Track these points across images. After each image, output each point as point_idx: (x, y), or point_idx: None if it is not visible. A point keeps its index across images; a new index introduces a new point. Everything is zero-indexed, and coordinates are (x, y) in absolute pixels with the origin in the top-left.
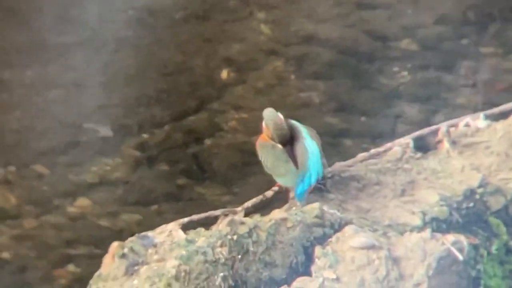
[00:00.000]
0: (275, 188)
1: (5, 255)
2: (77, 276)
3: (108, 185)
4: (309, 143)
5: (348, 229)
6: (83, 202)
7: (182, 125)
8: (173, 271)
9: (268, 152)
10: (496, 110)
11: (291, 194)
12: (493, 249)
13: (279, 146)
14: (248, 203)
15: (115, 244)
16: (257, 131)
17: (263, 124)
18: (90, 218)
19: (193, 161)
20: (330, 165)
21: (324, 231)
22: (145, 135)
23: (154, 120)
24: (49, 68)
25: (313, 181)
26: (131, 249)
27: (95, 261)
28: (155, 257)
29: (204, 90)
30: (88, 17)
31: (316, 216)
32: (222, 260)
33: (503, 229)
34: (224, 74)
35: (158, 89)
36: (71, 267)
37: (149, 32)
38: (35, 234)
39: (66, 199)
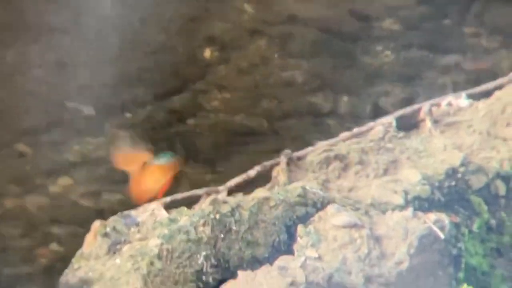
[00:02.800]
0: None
1: None
2: (60, 255)
3: (91, 164)
4: None
5: (330, 208)
6: (65, 181)
7: (165, 105)
8: (156, 250)
9: None
10: (478, 89)
11: (274, 173)
12: (475, 227)
13: None
14: (231, 182)
15: (97, 223)
16: (241, 110)
17: None
18: (73, 197)
19: (176, 141)
20: (313, 144)
21: (307, 210)
22: (128, 115)
23: (137, 100)
24: (31, 48)
25: None
26: (114, 228)
27: (77, 240)
28: (138, 236)
29: (187, 69)
30: None
31: (299, 195)
32: (205, 239)
33: (484, 207)
34: (207, 53)
35: (141, 69)
36: (53, 246)
37: (131, 11)
38: (16, 214)
39: (48, 178)
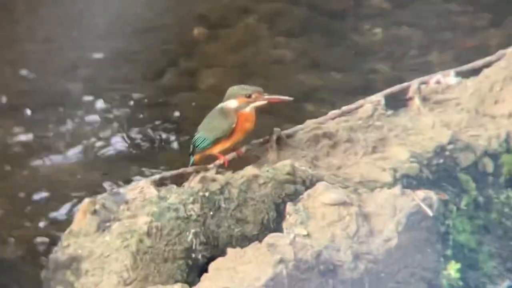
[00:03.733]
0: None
1: None
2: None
3: (82, 141)
4: None
5: (319, 186)
6: (57, 159)
7: (154, 83)
8: (145, 228)
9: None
10: (466, 67)
11: (264, 151)
12: (462, 204)
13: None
14: (220, 160)
15: (86, 201)
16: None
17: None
18: (63, 174)
19: (166, 119)
20: (302, 122)
21: (296, 188)
22: (117, 93)
23: (126, 78)
24: (19, 25)
25: None
26: (103, 206)
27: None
28: (127, 213)
29: (176, 48)
30: None
31: (288, 173)
32: (194, 217)
33: (472, 185)
34: (196, 31)
35: (129, 48)
36: (41, 223)
37: None
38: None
39: (39, 155)
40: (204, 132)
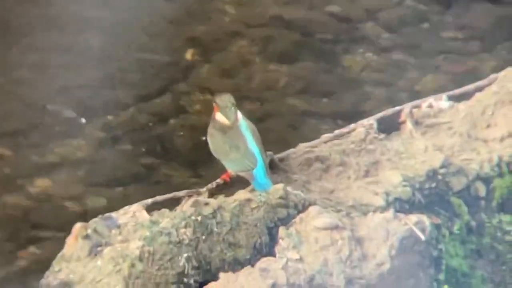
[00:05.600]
0: (219, 181)
1: None
2: (39, 257)
3: (71, 166)
4: (244, 130)
5: (312, 210)
6: (45, 182)
7: (147, 107)
8: (137, 252)
9: (218, 136)
10: (458, 91)
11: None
12: (455, 229)
13: (230, 127)
14: (212, 184)
15: (78, 225)
16: None
17: (218, 106)
18: (54, 199)
19: (157, 143)
20: (294, 146)
21: (288, 212)
22: (109, 117)
23: (118, 101)
24: (12, 49)
25: (263, 166)
26: (95, 230)
27: (57, 242)
28: (119, 238)
29: (169, 71)
30: None
31: (280, 197)
32: (186, 241)
33: (464, 209)
34: (188, 55)
35: (123, 70)
36: (32, 249)
37: (113, 13)
38: None
39: (29, 180)
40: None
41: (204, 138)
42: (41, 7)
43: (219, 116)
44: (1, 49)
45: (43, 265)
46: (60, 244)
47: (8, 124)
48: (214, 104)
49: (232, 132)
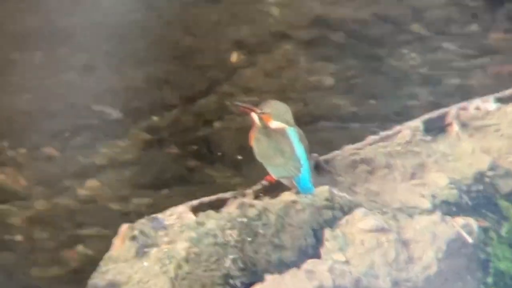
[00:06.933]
0: (265, 182)
1: (16, 236)
2: (87, 257)
3: (118, 167)
4: (292, 135)
5: (357, 212)
6: (93, 184)
7: (192, 108)
8: (183, 253)
9: (263, 141)
10: (506, 93)
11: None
12: (503, 231)
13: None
14: (258, 186)
15: (125, 226)
16: None
17: (266, 112)
18: (100, 200)
19: (202, 144)
20: (339, 148)
21: (334, 214)
22: (155, 118)
23: (164, 103)
24: (59, 51)
25: (308, 171)
26: (141, 231)
27: (105, 243)
28: (165, 239)
29: (214, 72)
30: (97, 0)
31: (326, 199)
32: (232, 243)
33: None
34: (233, 57)
35: (168, 72)
36: (80, 249)
37: (158, 15)
38: (45, 216)
39: (76, 181)
40: None
41: (251, 144)
42: (87, 10)
43: (274, 124)
44: (48, 51)
45: (91, 265)
46: (108, 244)
47: (55, 126)
48: (261, 115)
49: (279, 137)
